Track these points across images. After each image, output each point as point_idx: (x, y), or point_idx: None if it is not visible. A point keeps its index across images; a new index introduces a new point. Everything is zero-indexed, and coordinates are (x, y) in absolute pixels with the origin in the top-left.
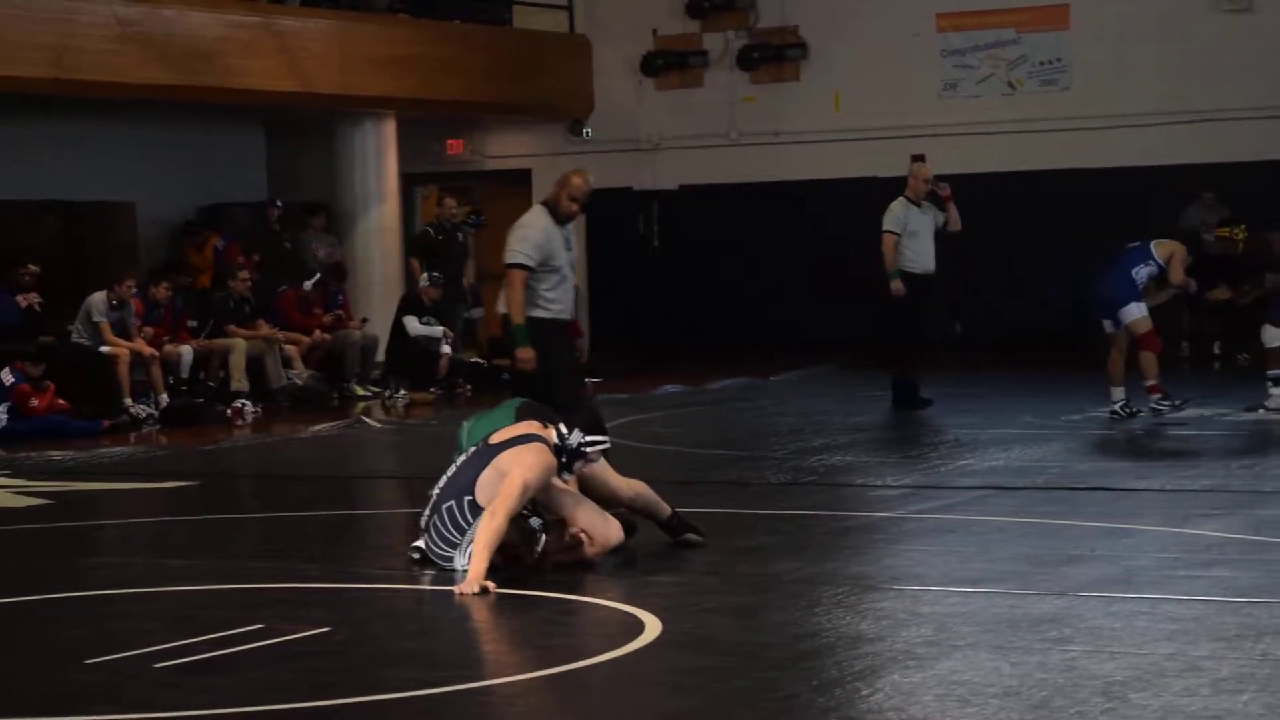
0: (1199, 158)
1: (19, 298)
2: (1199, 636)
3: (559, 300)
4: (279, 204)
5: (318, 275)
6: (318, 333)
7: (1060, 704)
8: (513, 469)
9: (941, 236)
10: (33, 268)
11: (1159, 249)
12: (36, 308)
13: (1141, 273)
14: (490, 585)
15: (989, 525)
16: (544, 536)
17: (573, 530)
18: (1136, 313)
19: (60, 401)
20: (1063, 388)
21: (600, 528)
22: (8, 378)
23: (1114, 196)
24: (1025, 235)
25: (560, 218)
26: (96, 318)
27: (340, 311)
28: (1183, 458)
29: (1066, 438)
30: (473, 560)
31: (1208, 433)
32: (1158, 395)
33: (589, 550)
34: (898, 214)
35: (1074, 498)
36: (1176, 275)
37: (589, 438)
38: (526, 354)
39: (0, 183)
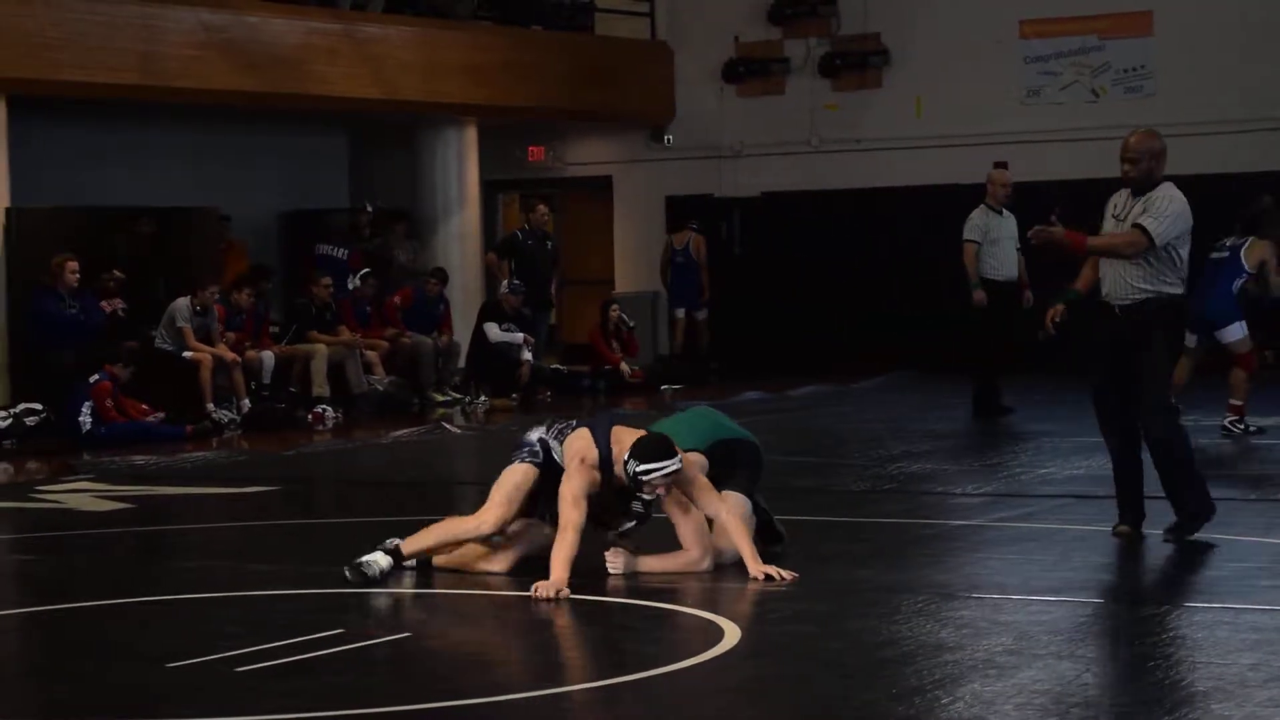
0: None
1: (103, 303)
2: None
3: None
4: (369, 209)
5: (365, 271)
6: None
7: (1142, 714)
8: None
9: (1025, 243)
10: (118, 274)
11: (1248, 257)
12: (121, 313)
13: (1237, 284)
14: (565, 591)
15: (1070, 534)
16: (633, 524)
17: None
18: (1239, 333)
19: (144, 406)
20: None
21: (697, 545)
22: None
23: (1198, 203)
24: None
25: None
26: (180, 323)
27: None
28: (1266, 466)
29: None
30: (553, 567)
31: None
32: (1235, 417)
33: (678, 562)
34: (978, 222)
35: (1156, 506)
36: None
37: (643, 467)
38: None
39: (86, 189)
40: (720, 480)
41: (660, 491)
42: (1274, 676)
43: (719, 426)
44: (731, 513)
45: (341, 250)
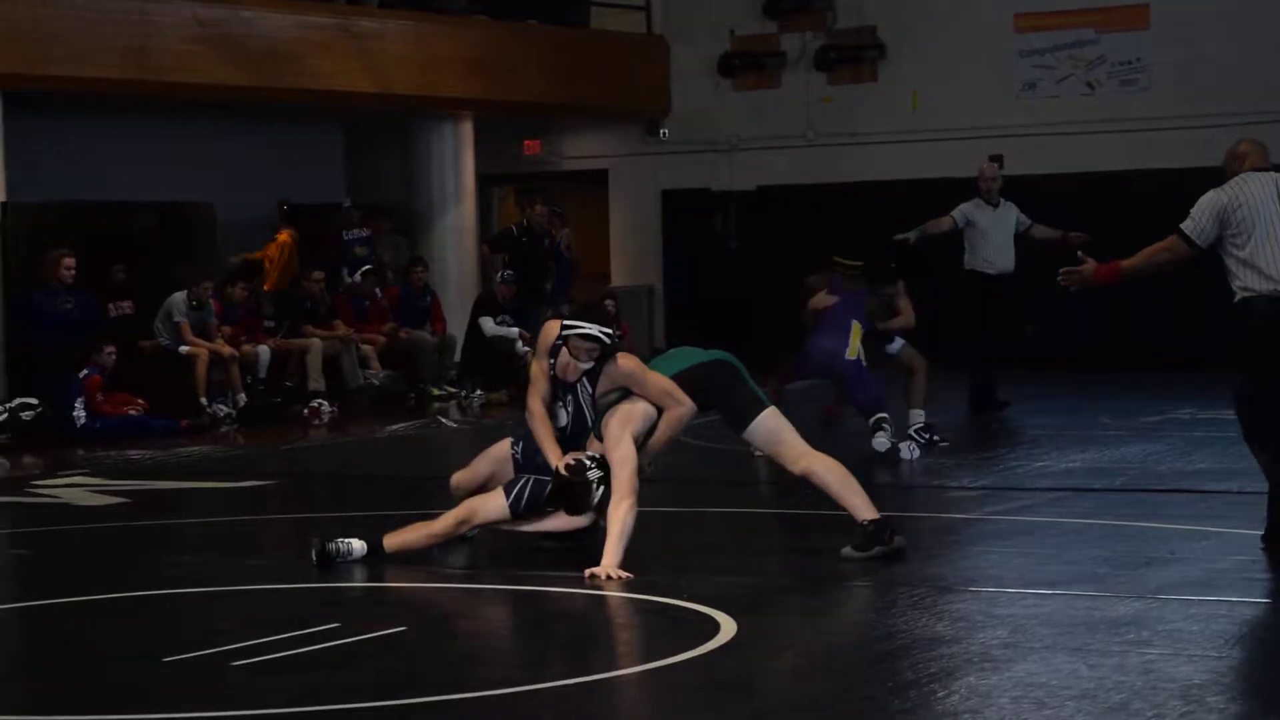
0: None
1: (110, 305)
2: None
3: None
4: (345, 205)
5: (367, 268)
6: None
7: (1138, 707)
8: None
9: (1020, 239)
10: (120, 272)
11: None
12: (127, 313)
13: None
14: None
15: (1067, 527)
16: (601, 489)
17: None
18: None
19: (140, 401)
20: (1139, 390)
21: (674, 401)
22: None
23: (1194, 197)
24: (1102, 236)
25: None
26: (177, 318)
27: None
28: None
29: (1144, 440)
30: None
31: None
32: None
33: (669, 424)
34: (965, 208)
35: (1153, 500)
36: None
37: (569, 322)
38: None
39: (80, 184)
40: (724, 400)
41: (578, 359)
42: (1269, 671)
43: (693, 354)
44: (675, 416)
45: (363, 231)
